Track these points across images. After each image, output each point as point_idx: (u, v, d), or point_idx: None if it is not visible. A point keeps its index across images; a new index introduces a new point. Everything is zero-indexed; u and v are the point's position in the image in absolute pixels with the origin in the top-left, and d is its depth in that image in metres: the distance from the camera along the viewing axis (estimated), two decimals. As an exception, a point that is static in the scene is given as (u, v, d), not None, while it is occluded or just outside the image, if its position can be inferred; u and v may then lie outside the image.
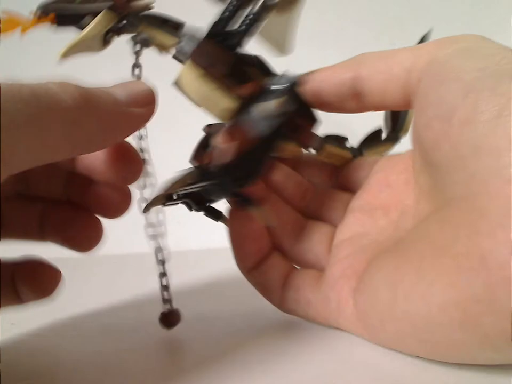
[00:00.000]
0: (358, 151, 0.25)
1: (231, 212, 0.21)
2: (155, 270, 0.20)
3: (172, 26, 0.20)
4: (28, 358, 0.19)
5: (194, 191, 0.19)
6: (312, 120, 0.21)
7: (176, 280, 0.22)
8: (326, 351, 0.18)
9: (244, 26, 0.19)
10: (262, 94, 0.20)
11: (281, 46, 0.21)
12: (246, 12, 0.19)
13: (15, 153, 0.13)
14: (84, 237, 0.21)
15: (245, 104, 0.19)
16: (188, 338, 0.20)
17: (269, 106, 0.19)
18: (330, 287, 0.20)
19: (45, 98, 0.13)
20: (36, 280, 0.20)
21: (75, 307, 0.24)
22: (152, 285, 0.21)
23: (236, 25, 0.19)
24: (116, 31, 0.20)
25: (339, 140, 0.23)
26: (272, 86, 0.20)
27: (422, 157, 0.18)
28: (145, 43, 0.20)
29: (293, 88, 0.20)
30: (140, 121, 0.17)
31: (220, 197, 0.21)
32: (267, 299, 0.22)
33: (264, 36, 0.20)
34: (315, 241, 0.22)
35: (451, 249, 0.14)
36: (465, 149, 0.14)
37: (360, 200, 0.22)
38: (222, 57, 0.19)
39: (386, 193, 0.21)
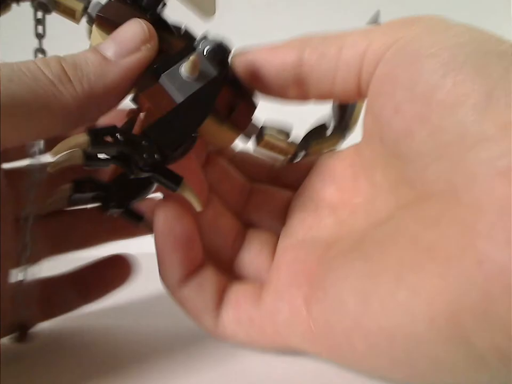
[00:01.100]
0: (301, 148, 0.21)
1: (159, 211, 0.17)
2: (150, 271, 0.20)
3: None
4: (28, 357, 0.19)
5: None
6: (248, 102, 0.19)
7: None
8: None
9: None
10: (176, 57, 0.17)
11: (204, 8, 0.19)
12: None
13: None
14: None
15: (160, 66, 0.17)
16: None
17: (183, 67, 0.16)
18: (279, 296, 0.17)
19: (27, 74, 0.14)
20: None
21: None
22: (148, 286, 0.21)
23: None
24: None
25: (281, 132, 0.21)
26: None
27: (385, 149, 0.15)
28: (44, 7, 0.18)
29: (217, 50, 0.17)
30: (135, 67, 0.16)
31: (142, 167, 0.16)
32: (198, 322, 0.18)
33: None
34: (256, 252, 0.19)
35: (440, 250, 0.12)
36: (447, 135, 0.12)
37: (303, 198, 0.19)
38: (130, 18, 0.17)
39: (331, 189, 0.18)
